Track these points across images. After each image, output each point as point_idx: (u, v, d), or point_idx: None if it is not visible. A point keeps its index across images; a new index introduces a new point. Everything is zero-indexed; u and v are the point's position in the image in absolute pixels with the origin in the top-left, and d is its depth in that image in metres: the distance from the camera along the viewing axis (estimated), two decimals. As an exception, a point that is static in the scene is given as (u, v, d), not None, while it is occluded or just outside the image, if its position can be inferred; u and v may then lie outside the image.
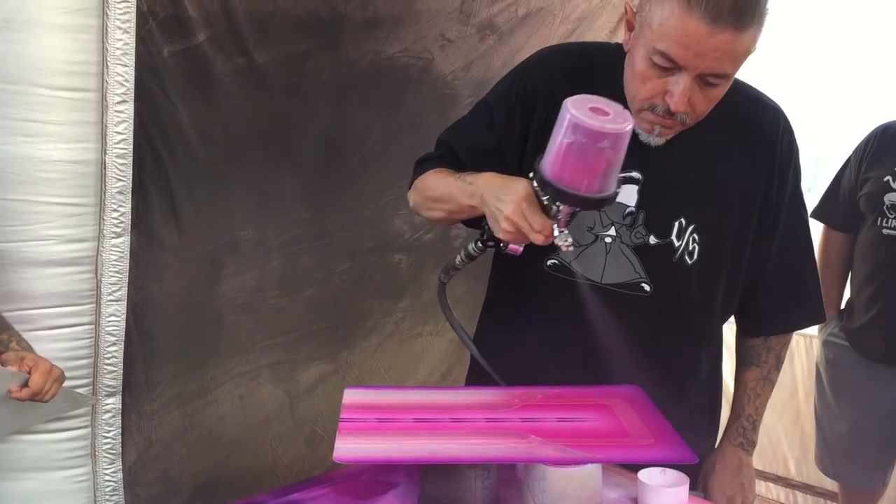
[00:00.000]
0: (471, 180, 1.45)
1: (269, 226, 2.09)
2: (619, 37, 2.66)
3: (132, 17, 1.65)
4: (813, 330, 2.71)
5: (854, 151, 2.54)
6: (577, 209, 1.33)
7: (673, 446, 1.33)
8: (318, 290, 2.22)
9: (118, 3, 1.62)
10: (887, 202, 2.39)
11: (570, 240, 1.32)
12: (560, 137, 1.27)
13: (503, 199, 1.34)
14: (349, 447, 1.30)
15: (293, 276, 2.16)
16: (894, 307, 2.41)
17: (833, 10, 3.06)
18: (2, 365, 1.39)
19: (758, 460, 3.29)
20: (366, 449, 1.31)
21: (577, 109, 1.25)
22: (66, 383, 1.48)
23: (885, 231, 2.40)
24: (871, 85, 3.00)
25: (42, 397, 1.39)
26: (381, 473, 1.45)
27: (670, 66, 1.36)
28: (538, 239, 1.32)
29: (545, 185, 1.30)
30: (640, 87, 1.41)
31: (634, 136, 1.44)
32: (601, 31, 2.64)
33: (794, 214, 1.60)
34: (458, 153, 1.59)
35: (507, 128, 1.56)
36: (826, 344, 2.63)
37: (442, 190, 1.52)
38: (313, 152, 2.13)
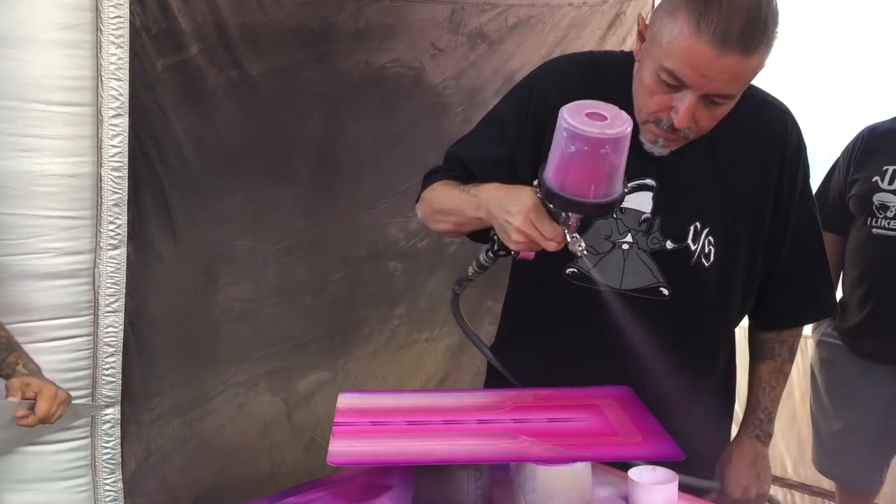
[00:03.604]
0: (475, 192, 1.45)
1: (265, 235, 2.11)
2: (608, 43, 2.69)
3: (125, 31, 1.68)
4: (807, 330, 2.73)
5: (842, 153, 2.56)
6: (590, 216, 1.35)
7: (661, 443, 1.35)
8: (314, 299, 2.24)
9: (111, 18, 1.65)
10: (877, 202, 2.41)
11: (583, 244, 1.33)
12: (561, 147, 1.27)
13: (511, 212, 1.34)
14: (343, 450, 1.32)
15: (289, 284, 2.18)
16: (886, 306, 2.42)
17: (825, 10, 3.08)
18: (6, 389, 1.41)
19: (755, 461, 3.31)
20: (360, 451, 1.33)
21: (574, 118, 1.25)
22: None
23: (875, 231, 2.41)
24: (863, 86, 3.02)
25: (49, 421, 1.41)
26: (376, 476, 1.46)
27: (676, 84, 1.37)
28: (551, 246, 1.33)
29: (552, 196, 1.30)
30: (647, 100, 1.43)
31: (642, 144, 1.47)
32: (590, 38, 2.67)
33: (805, 211, 1.62)
34: (470, 166, 1.59)
35: (520, 140, 1.56)
36: (820, 344, 2.65)
37: (448, 202, 1.53)
38: (307, 162, 2.15)
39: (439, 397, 1.60)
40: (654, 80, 1.39)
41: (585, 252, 1.34)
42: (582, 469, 1.30)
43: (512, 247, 1.38)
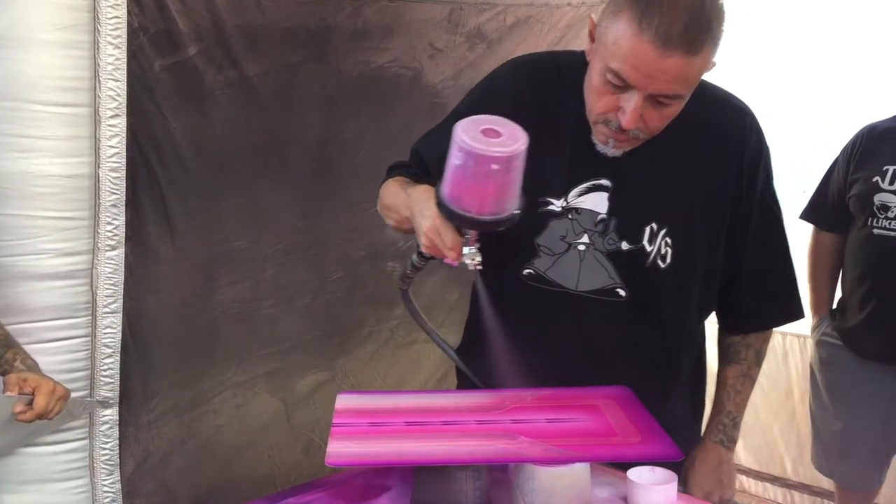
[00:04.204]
0: (410, 191, 1.48)
1: (263, 236, 2.11)
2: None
3: (123, 32, 1.68)
4: (807, 330, 2.73)
5: (841, 152, 2.55)
6: (476, 231, 1.34)
7: (660, 444, 1.35)
8: (313, 299, 2.24)
9: (109, 18, 1.65)
10: (877, 202, 2.40)
11: (478, 258, 1.35)
12: (451, 159, 1.28)
13: (424, 215, 1.37)
14: (342, 451, 1.32)
15: (287, 285, 2.18)
16: (887, 306, 2.42)
17: (825, 9, 3.08)
18: (3, 385, 1.41)
19: (755, 460, 3.31)
20: (358, 452, 1.33)
21: (466, 132, 1.25)
22: (64, 395, 1.50)
23: (875, 231, 2.41)
24: (863, 85, 3.02)
25: (47, 417, 1.41)
26: (375, 477, 1.46)
27: (622, 85, 1.37)
28: (451, 255, 1.35)
29: (440, 205, 1.33)
30: (595, 101, 1.43)
31: (595, 145, 1.47)
32: (588, 38, 2.66)
33: (766, 212, 1.61)
34: (427, 163, 1.60)
35: None
36: (819, 344, 2.65)
37: (391, 199, 1.56)
38: (305, 162, 2.15)
39: (438, 398, 1.60)
40: (602, 81, 1.39)
41: (479, 267, 1.35)
42: (581, 469, 1.30)
43: (423, 249, 1.40)
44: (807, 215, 2.65)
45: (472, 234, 1.34)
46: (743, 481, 3.36)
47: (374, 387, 2.40)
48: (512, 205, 1.32)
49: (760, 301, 1.65)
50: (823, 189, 2.61)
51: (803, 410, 2.99)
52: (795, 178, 2.92)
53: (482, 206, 1.29)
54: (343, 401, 1.53)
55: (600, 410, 1.47)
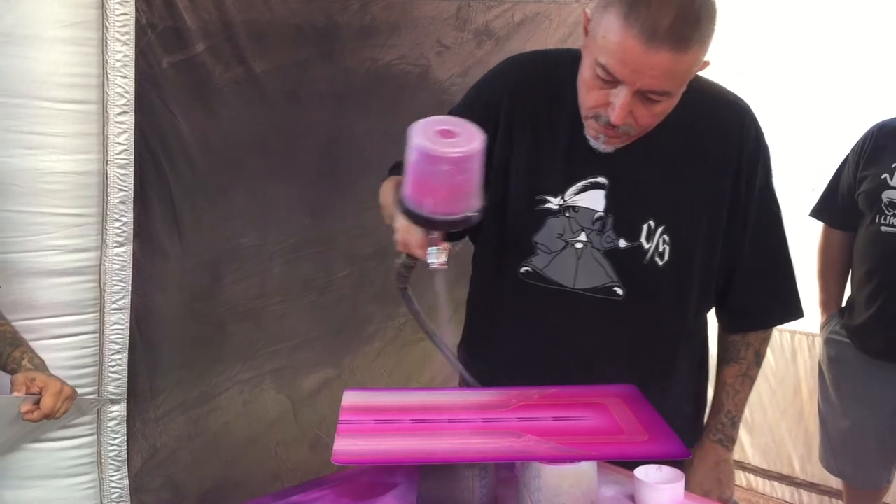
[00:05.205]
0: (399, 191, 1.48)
1: (270, 233, 2.11)
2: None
3: (131, 29, 1.68)
4: (816, 328, 2.72)
5: (851, 150, 2.54)
6: (431, 230, 1.34)
7: (667, 442, 1.34)
8: (320, 296, 2.24)
9: (117, 15, 1.65)
10: (885, 200, 2.40)
11: (442, 258, 1.35)
12: (409, 159, 1.28)
13: (398, 214, 1.38)
14: (347, 448, 1.32)
15: (294, 282, 2.18)
16: (894, 304, 2.42)
17: (836, 7, 3.06)
18: (11, 384, 1.42)
19: (763, 459, 3.30)
20: (364, 450, 1.33)
21: (421, 132, 1.26)
22: (71, 391, 1.51)
23: (883, 228, 2.40)
24: (873, 83, 3.00)
25: (53, 416, 1.41)
26: (381, 474, 1.46)
27: (611, 80, 1.36)
28: (420, 254, 1.36)
29: (399, 202, 1.33)
30: (586, 95, 1.43)
31: (588, 140, 1.47)
32: (597, 34, 2.66)
33: (765, 210, 1.59)
34: None
35: None
36: (828, 342, 2.64)
37: (384, 198, 1.56)
38: (312, 160, 2.15)
39: (444, 395, 1.60)
40: (591, 76, 1.39)
41: (443, 267, 1.35)
42: (588, 468, 1.29)
43: (398, 248, 1.41)
44: (816, 213, 2.64)
45: (435, 234, 1.34)
46: (751, 480, 3.35)
47: (381, 384, 2.40)
48: (468, 205, 1.31)
49: (759, 300, 1.63)
50: (833, 187, 2.60)
51: (811, 409, 2.98)
52: (805, 176, 2.91)
53: (436, 206, 1.29)
54: (349, 398, 1.53)
55: (607, 409, 1.46)
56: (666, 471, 1.35)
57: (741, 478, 3.35)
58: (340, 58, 2.11)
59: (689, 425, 1.67)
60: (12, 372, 1.47)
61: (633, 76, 1.34)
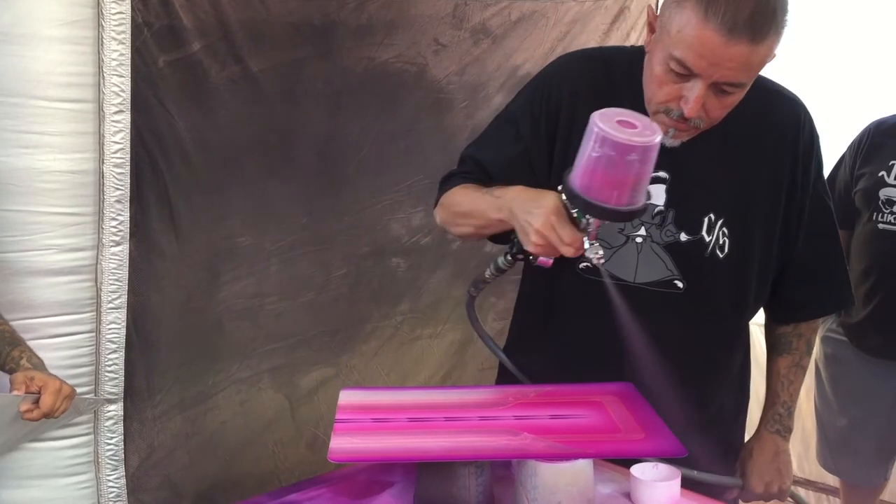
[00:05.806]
0: (499, 194, 1.46)
1: (267, 232, 2.11)
2: (612, 39, 2.68)
3: (127, 27, 1.68)
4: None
5: (848, 148, 2.55)
6: (606, 221, 1.34)
7: (663, 441, 1.35)
8: (317, 295, 2.24)
9: (113, 14, 1.65)
10: (882, 197, 2.40)
11: (600, 252, 1.34)
12: (588, 151, 1.28)
13: (532, 212, 1.35)
14: (344, 447, 1.32)
15: (292, 281, 2.18)
16: (891, 302, 2.42)
17: (833, 6, 3.07)
18: (10, 384, 1.41)
19: (760, 457, 3.30)
20: (361, 448, 1.33)
21: (605, 123, 1.26)
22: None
23: (880, 226, 2.41)
24: (870, 79, 3.01)
25: (53, 416, 1.41)
26: (378, 473, 1.46)
27: (686, 73, 1.38)
28: (568, 251, 1.34)
29: (574, 197, 1.31)
30: (657, 90, 1.43)
31: None
32: (594, 33, 2.66)
33: (819, 202, 1.62)
34: (486, 166, 1.60)
35: (534, 137, 1.57)
36: (825, 339, 2.64)
37: (469, 205, 1.54)
38: (309, 158, 2.15)
39: (441, 394, 1.60)
40: (664, 70, 1.40)
41: (603, 260, 1.35)
42: (584, 465, 1.29)
43: (530, 249, 1.38)
44: (813, 211, 2.64)
45: (592, 228, 1.34)
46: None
47: (378, 383, 2.40)
48: (644, 196, 1.32)
49: (812, 290, 1.65)
50: (830, 185, 2.59)
51: (808, 407, 2.98)
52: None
53: (620, 197, 1.28)
54: (346, 396, 1.53)
55: (603, 407, 1.46)
56: (662, 468, 1.35)
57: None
58: (337, 56, 2.11)
59: (733, 417, 1.69)
60: (11, 371, 1.47)
61: (710, 69, 1.35)
